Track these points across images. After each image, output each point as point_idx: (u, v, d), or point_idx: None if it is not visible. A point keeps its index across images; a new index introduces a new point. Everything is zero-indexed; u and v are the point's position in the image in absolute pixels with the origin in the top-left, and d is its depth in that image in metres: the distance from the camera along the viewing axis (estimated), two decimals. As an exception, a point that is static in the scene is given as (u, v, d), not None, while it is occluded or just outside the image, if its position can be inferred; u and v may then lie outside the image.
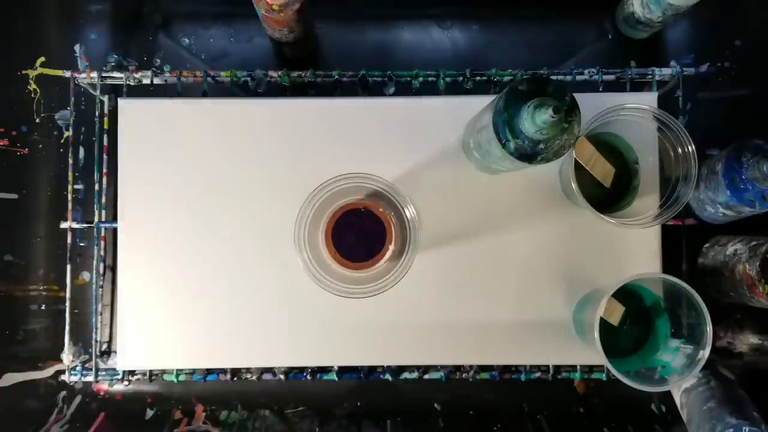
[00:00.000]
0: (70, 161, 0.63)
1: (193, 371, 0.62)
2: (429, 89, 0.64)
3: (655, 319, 0.59)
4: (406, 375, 0.62)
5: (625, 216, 0.57)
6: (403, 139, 0.60)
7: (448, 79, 0.63)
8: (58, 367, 0.66)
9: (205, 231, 0.60)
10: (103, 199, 0.63)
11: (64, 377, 0.62)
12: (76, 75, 0.62)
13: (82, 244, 0.67)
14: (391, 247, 0.54)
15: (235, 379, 0.62)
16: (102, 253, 0.63)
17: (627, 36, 0.68)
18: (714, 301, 0.59)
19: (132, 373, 0.62)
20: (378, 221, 0.55)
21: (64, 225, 0.62)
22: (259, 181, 0.60)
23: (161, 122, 0.60)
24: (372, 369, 0.62)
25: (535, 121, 0.43)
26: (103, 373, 0.62)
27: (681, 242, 0.61)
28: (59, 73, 0.65)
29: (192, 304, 0.60)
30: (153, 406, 0.67)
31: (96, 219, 0.63)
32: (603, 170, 0.58)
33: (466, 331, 0.60)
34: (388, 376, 0.62)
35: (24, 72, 0.67)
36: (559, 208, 0.61)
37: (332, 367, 0.62)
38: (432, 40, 0.68)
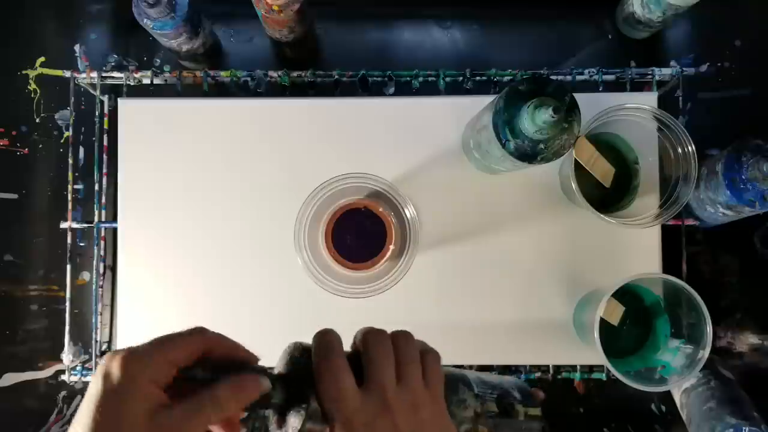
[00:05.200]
0: (70, 161, 0.63)
1: (193, 371, 0.62)
2: (429, 89, 0.64)
3: (655, 319, 0.59)
4: (406, 375, 0.62)
5: (625, 216, 0.57)
6: (403, 139, 0.60)
7: (448, 79, 0.63)
8: (58, 367, 0.66)
9: (205, 231, 0.60)
10: (103, 199, 0.63)
11: (64, 377, 0.62)
12: (76, 75, 0.62)
13: (82, 244, 0.67)
14: (391, 247, 0.54)
15: (235, 379, 0.62)
16: (102, 253, 0.63)
17: (627, 36, 0.68)
18: (714, 301, 0.58)
19: (132, 373, 0.62)
20: (378, 221, 0.55)
21: (64, 225, 0.62)
22: (259, 181, 0.60)
23: (161, 122, 0.60)
24: (372, 369, 0.62)
25: (535, 121, 0.43)
26: (103, 373, 0.62)
27: (681, 242, 0.61)
28: (59, 73, 0.65)
29: (192, 304, 0.60)
30: (153, 406, 0.67)
31: (96, 219, 0.63)
32: (603, 170, 0.57)
33: (466, 331, 0.60)
34: (388, 376, 0.62)
35: (24, 72, 0.67)
36: (559, 208, 0.60)
37: (332, 367, 0.62)
38: (432, 40, 0.68)
